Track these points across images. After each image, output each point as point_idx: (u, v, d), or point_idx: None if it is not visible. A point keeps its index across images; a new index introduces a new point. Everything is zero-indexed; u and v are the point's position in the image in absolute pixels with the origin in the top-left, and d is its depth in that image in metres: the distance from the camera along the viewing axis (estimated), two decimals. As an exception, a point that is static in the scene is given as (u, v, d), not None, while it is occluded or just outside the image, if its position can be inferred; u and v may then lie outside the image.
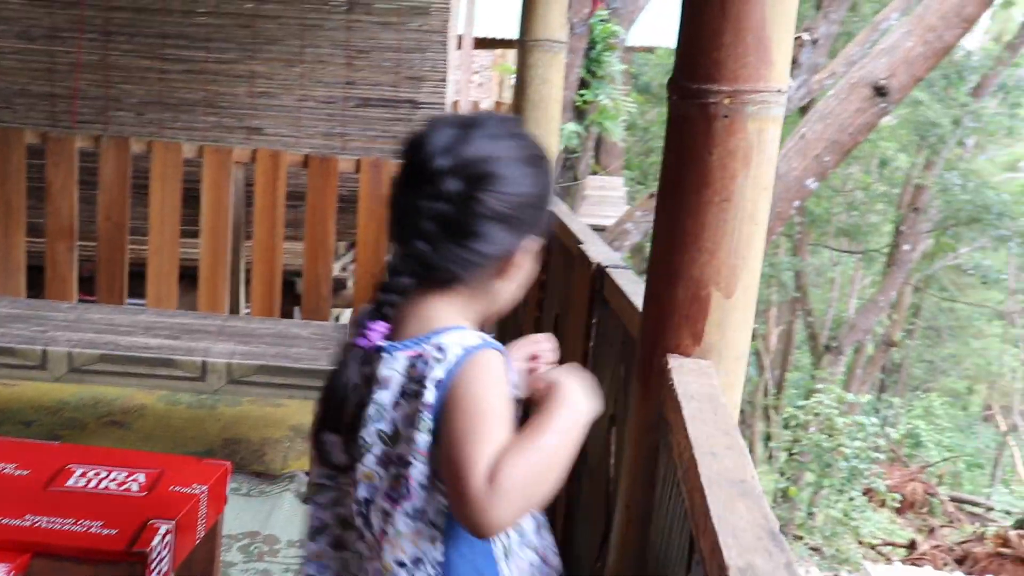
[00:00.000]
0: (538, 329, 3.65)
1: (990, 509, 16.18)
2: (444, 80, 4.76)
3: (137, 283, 4.74)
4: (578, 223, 3.31)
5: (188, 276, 4.77)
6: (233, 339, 3.37)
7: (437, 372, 1.27)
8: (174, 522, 1.89)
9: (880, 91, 6.61)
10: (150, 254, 4.60)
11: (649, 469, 1.73)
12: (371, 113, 4.80)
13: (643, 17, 10.53)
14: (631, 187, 15.58)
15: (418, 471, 1.28)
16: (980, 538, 13.16)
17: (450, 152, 1.35)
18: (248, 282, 4.83)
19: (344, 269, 6.20)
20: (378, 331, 1.36)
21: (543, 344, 1.58)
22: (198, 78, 4.77)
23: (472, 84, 13.19)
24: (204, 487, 2.06)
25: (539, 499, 1.25)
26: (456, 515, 1.24)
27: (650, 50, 15.09)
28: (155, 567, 1.80)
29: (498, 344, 1.32)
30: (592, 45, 9.13)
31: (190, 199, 4.65)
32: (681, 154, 1.66)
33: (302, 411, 4.00)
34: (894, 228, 18.04)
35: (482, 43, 12.97)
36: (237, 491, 3.24)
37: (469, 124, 1.39)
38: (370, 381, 1.34)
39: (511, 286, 1.44)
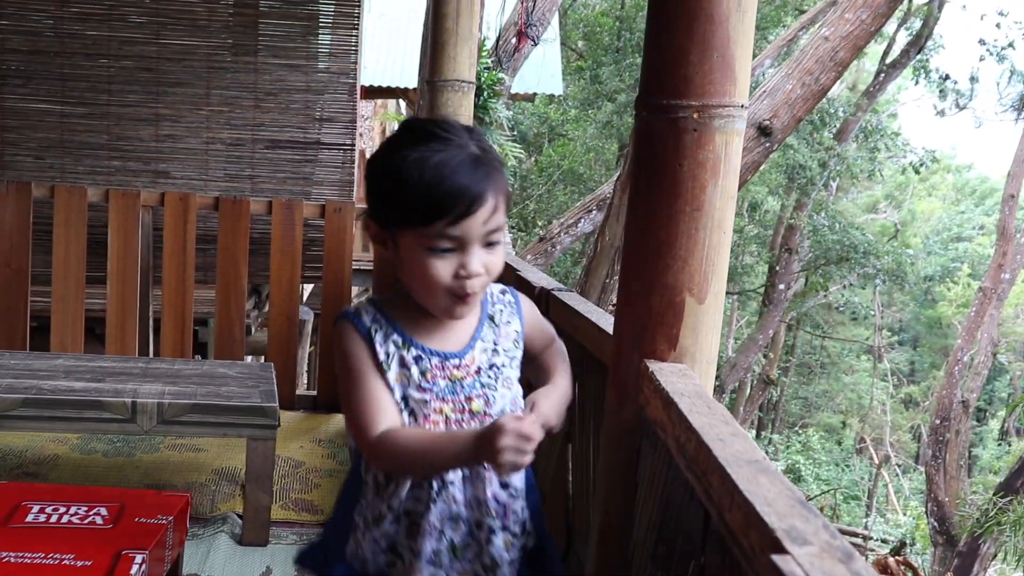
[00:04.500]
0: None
1: (868, 538, 16.73)
2: (353, 121, 4.79)
3: (35, 337, 4.60)
4: (505, 254, 3.37)
5: (89, 328, 4.64)
6: (160, 380, 3.31)
7: None
8: (148, 552, 1.86)
9: (764, 131, 6.90)
10: (54, 302, 4.47)
11: (629, 473, 1.79)
12: (280, 155, 4.78)
13: (526, 65, 10.75)
14: (512, 234, 15.77)
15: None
16: (861, 566, 13.57)
17: None
18: (157, 329, 4.74)
19: (247, 315, 6.12)
20: None
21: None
22: (101, 121, 4.68)
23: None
24: (170, 517, 2.02)
25: (404, 470, 1.54)
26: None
27: (530, 98, 15.35)
28: (131, 597, 1.76)
29: (351, 311, 1.58)
30: (479, 91, 9.29)
31: (95, 245, 4.56)
32: (652, 167, 1.73)
33: (224, 455, 3.92)
34: (768, 268, 18.66)
35: (366, 93, 13.01)
36: (167, 536, 3.15)
37: None
38: None
39: (402, 268, 1.54)
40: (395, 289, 1.65)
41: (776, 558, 0.98)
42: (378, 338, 1.53)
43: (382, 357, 1.52)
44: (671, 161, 1.70)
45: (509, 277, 3.00)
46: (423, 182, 1.44)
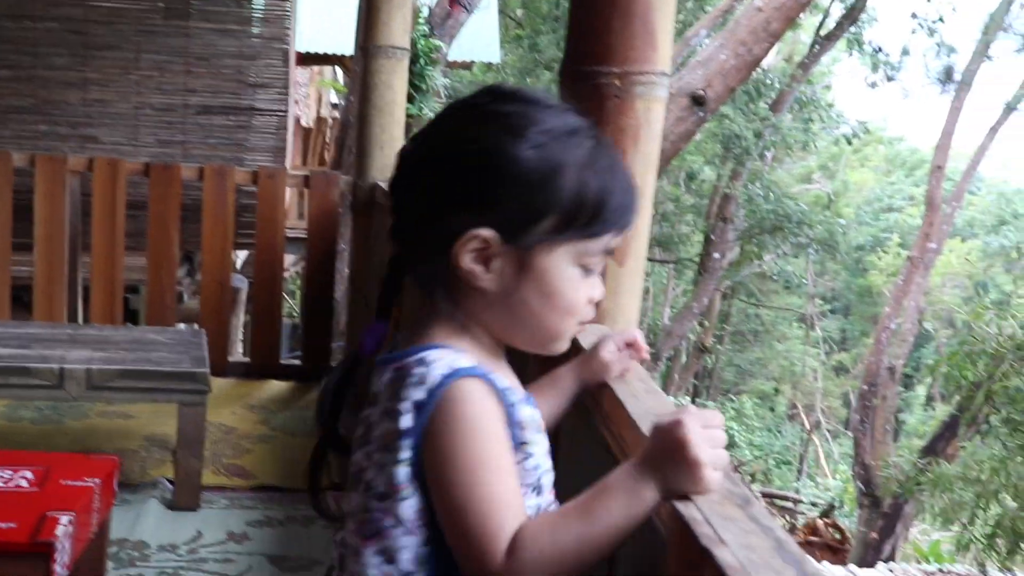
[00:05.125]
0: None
1: (799, 502, 17.12)
2: (286, 87, 4.76)
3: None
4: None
5: (15, 296, 4.58)
6: (89, 346, 3.28)
7: (416, 393, 1.07)
8: (74, 514, 1.86)
9: (698, 101, 6.97)
10: (-21, 268, 4.41)
11: (552, 433, 1.83)
12: (212, 120, 4.74)
13: (463, 32, 10.70)
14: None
15: (395, 505, 1.09)
16: (791, 529, 13.95)
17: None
18: (86, 297, 4.69)
19: (178, 283, 6.08)
20: (374, 335, 1.21)
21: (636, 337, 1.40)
22: (27, 84, 4.60)
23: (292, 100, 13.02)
24: (97, 480, 2.02)
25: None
26: None
27: (468, 66, 15.29)
28: (59, 558, 1.77)
29: (481, 370, 1.10)
30: (415, 59, 9.23)
31: (20, 211, 4.48)
32: (575, 133, 1.76)
33: (155, 421, 3.91)
34: (704, 237, 18.88)
35: (302, 59, 12.87)
36: (97, 502, 3.15)
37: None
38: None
39: (482, 300, 1.14)
40: (441, 322, 1.17)
41: (678, 504, 1.03)
42: (510, 398, 1.11)
43: (528, 425, 1.13)
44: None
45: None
46: (607, 182, 1.13)
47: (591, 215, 1.12)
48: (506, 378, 1.16)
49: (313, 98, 17.36)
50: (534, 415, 1.15)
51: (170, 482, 3.31)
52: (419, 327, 1.17)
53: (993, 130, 14.50)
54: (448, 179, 1.12)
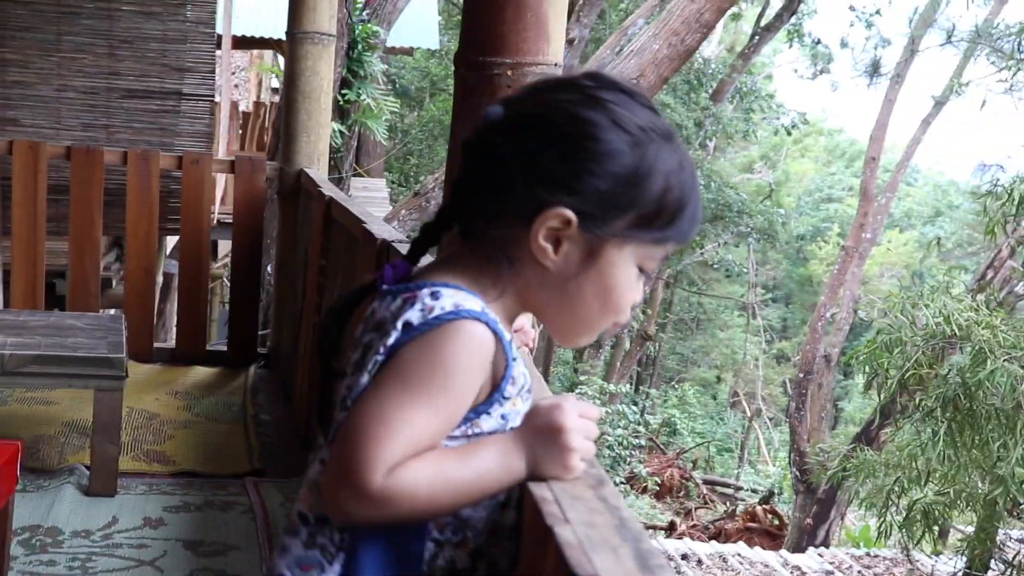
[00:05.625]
0: (320, 313, 3.71)
1: (739, 489, 17.34)
2: (212, 71, 4.73)
3: None
4: (357, 207, 3.40)
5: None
6: (3, 331, 3.25)
7: (412, 315, 1.08)
8: (-32, 499, 1.86)
9: (632, 90, 7.03)
10: None
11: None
12: (136, 104, 4.70)
13: (402, 18, 10.66)
14: (392, 189, 15.72)
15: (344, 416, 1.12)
16: (731, 515, 14.14)
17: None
18: (7, 283, 4.63)
19: (107, 268, 6.03)
20: (396, 270, 1.18)
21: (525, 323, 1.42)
22: (-57, 66, 4.53)
23: (230, 84, 12.88)
24: (-5, 466, 2.02)
25: (414, 518, 1.08)
26: (326, 479, 1.08)
27: (409, 52, 15.24)
28: (-50, 544, 1.77)
29: (488, 316, 1.10)
30: (353, 45, 9.18)
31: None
32: (468, 122, 1.79)
33: (75, 407, 3.87)
34: (645, 226, 18.99)
35: (239, 43, 12.74)
36: (10, 489, 3.12)
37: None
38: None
39: (537, 274, 1.14)
40: (474, 274, 1.16)
41: (532, 485, 1.07)
42: (512, 352, 1.13)
43: (519, 380, 1.15)
44: (487, 116, 1.77)
45: (356, 229, 3.04)
46: (686, 193, 1.15)
47: (667, 221, 1.14)
48: (515, 342, 1.17)
49: (253, 82, 17.20)
50: (527, 377, 1.17)
51: (87, 468, 3.29)
52: (446, 267, 1.17)
53: (925, 122, 14.77)
54: (547, 151, 1.12)
